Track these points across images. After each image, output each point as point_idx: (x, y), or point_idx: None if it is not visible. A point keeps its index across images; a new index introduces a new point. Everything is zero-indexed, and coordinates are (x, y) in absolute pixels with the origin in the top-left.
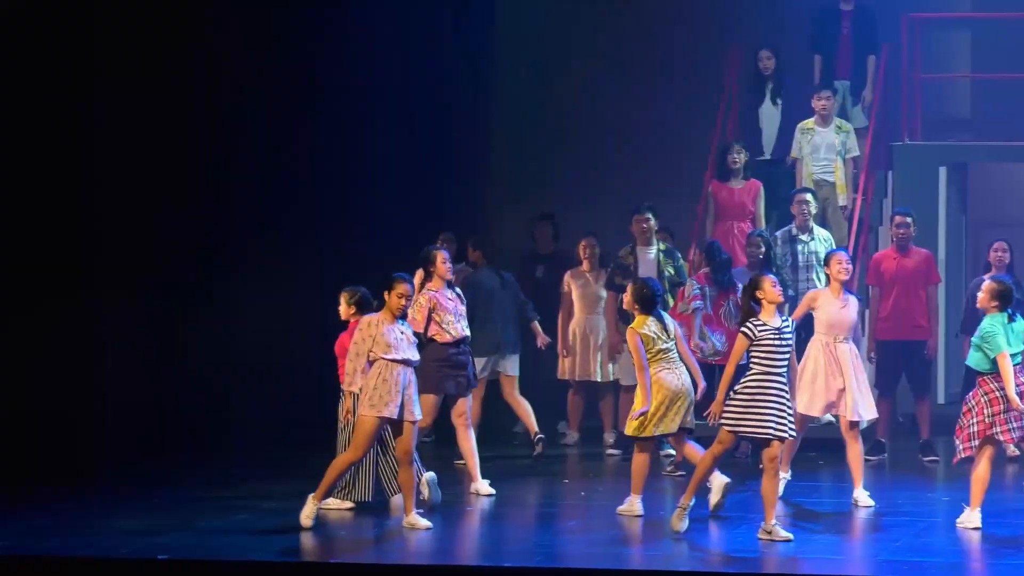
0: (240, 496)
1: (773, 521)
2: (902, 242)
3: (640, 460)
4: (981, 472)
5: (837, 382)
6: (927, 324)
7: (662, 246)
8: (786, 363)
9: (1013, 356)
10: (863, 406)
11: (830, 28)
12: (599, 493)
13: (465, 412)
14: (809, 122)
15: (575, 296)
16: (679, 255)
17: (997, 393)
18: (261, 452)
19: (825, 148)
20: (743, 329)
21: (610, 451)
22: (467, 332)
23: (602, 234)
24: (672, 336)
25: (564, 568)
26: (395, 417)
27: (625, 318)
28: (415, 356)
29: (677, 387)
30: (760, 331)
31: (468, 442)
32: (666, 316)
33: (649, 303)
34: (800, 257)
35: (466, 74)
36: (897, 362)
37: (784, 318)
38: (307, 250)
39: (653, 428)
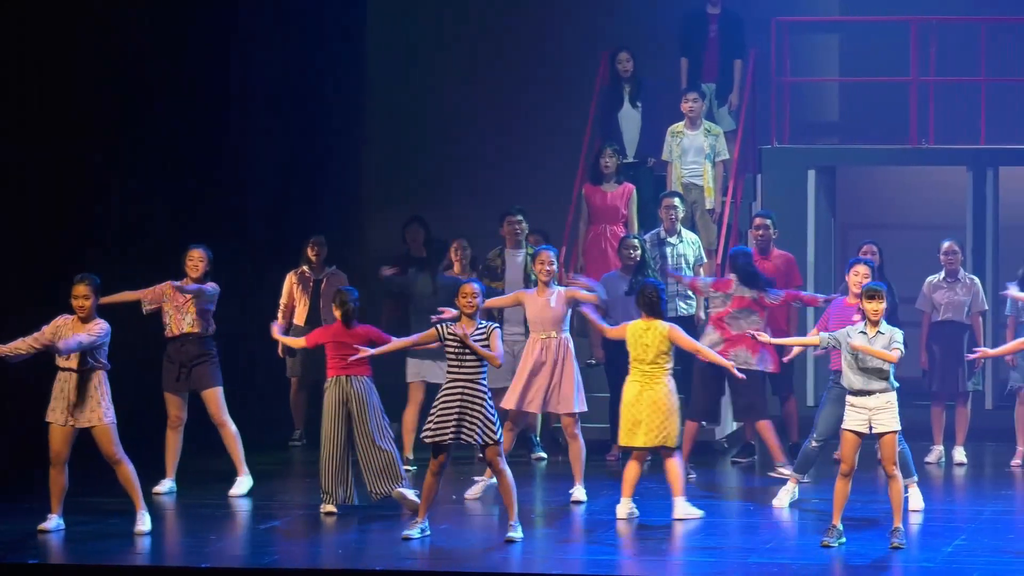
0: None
1: (512, 521)
2: (762, 244)
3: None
4: None
5: (545, 378)
6: (787, 327)
7: (530, 250)
8: (474, 369)
9: None
10: (575, 400)
11: (698, 31)
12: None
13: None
14: (678, 125)
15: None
16: None
17: None
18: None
19: (694, 151)
20: (437, 328)
21: (480, 455)
22: (192, 329)
23: (473, 237)
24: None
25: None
26: (59, 423)
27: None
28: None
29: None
30: (443, 333)
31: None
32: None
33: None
34: (668, 260)
35: (339, 76)
36: None
37: (488, 324)
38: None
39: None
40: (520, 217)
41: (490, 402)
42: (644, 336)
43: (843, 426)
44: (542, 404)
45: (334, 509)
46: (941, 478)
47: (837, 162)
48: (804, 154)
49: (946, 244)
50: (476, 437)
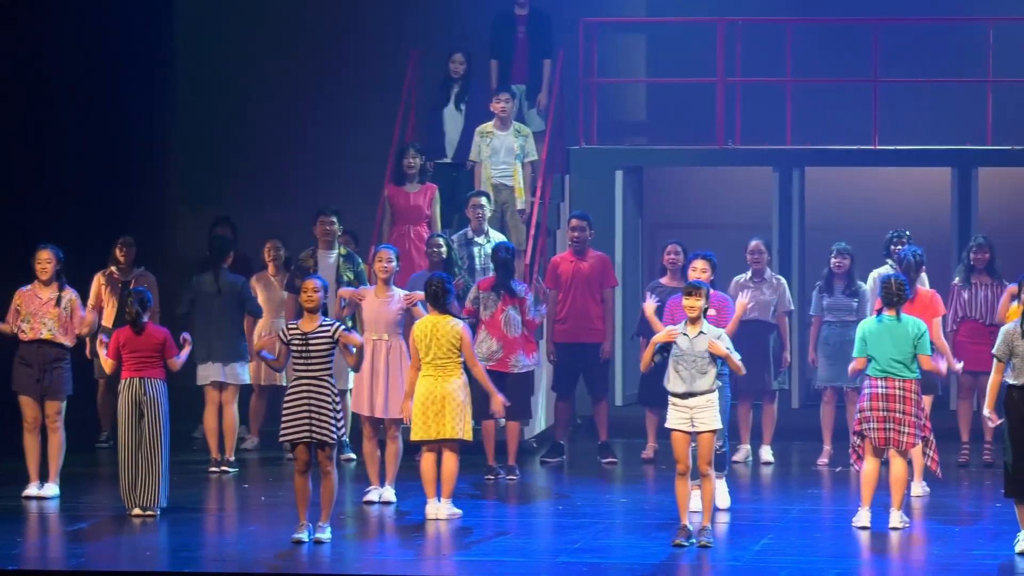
0: None
1: (323, 522)
2: (578, 245)
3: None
4: (897, 471)
5: (379, 380)
6: (603, 327)
7: (343, 250)
8: (319, 366)
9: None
10: (398, 405)
11: (506, 32)
12: (280, 497)
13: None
14: (488, 126)
15: (261, 300)
16: (359, 260)
17: (865, 391)
18: None
19: (504, 152)
20: (278, 333)
21: (289, 456)
22: (46, 335)
23: (287, 237)
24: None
25: (241, 573)
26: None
27: None
28: None
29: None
30: (288, 335)
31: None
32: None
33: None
34: (476, 260)
35: (146, 76)
36: (575, 364)
37: (330, 322)
38: None
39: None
40: (334, 217)
41: (337, 400)
42: (435, 331)
43: (667, 425)
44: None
45: (140, 511)
46: (748, 477)
47: (644, 162)
48: (611, 154)
49: (752, 244)
50: (330, 434)
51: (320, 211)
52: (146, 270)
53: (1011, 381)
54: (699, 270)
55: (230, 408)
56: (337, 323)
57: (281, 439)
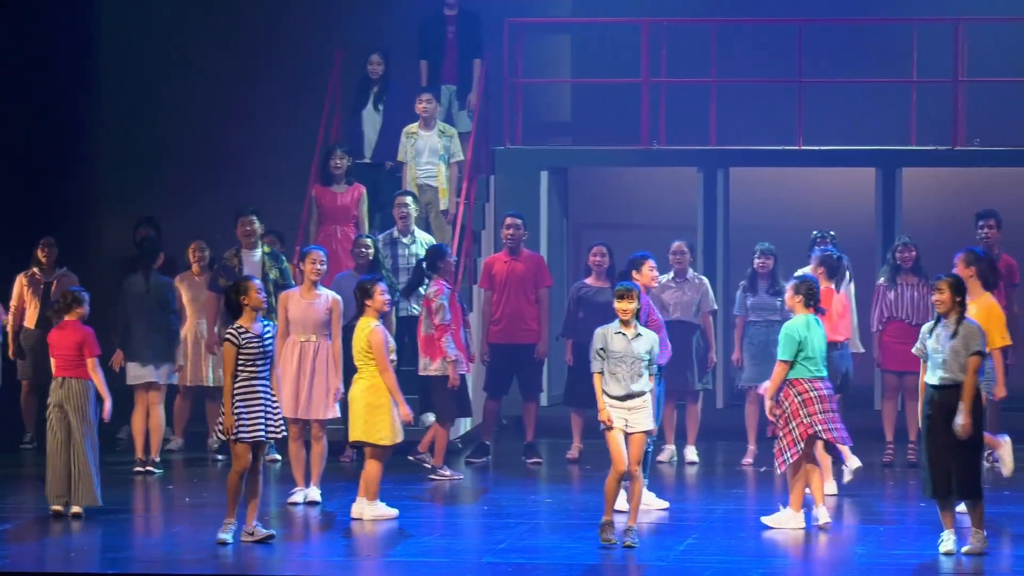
0: None
1: (254, 522)
2: (513, 244)
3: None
4: (803, 472)
5: (304, 381)
6: (538, 327)
7: (266, 249)
8: (268, 366)
9: (810, 360)
10: (323, 407)
11: (435, 33)
12: (204, 498)
13: None
14: (413, 126)
15: (185, 300)
16: (283, 258)
17: (811, 394)
18: None
19: (428, 152)
20: (227, 338)
21: (218, 456)
22: None
23: (211, 238)
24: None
25: (167, 574)
26: None
27: (226, 321)
28: None
29: None
30: (243, 338)
31: None
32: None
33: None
34: (401, 260)
35: (70, 76)
36: (508, 365)
37: (265, 323)
38: None
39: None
40: (253, 217)
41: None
42: (357, 333)
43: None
44: (294, 408)
45: (61, 509)
46: (673, 477)
47: (569, 163)
48: (536, 155)
49: (675, 244)
50: (280, 433)
51: (239, 212)
52: (68, 270)
53: (924, 379)
54: (653, 268)
55: (157, 409)
56: (271, 323)
57: (243, 440)
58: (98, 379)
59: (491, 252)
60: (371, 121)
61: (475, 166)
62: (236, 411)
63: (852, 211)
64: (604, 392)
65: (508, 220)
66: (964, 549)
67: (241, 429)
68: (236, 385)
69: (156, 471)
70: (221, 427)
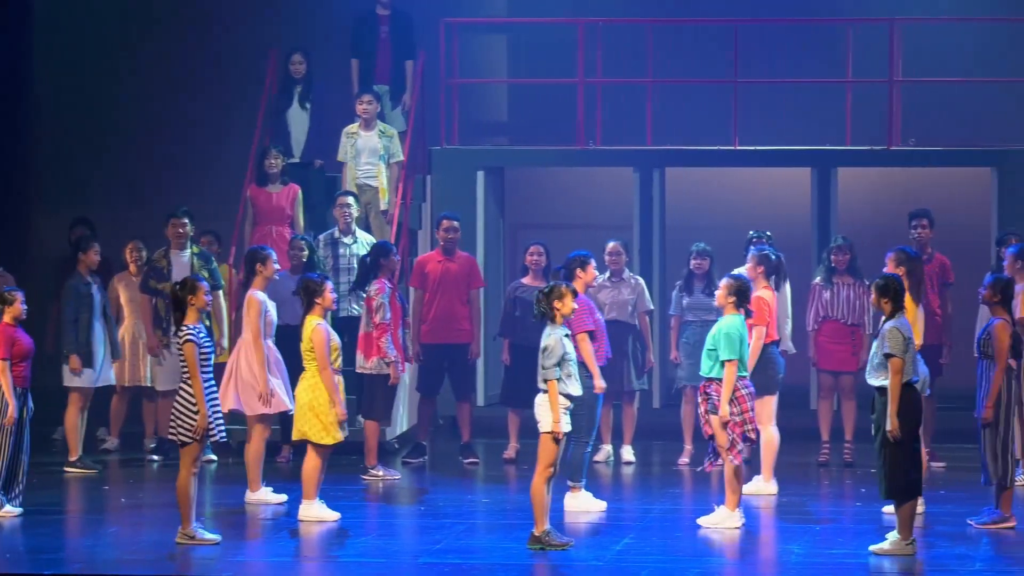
0: None
1: (194, 524)
2: (448, 246)
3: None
4: (737, 471)
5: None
6: (470, 327)
7: (195, 249)
8: (212, 367)
9: (741, 360)
10: (254, 402)
11: (368, 33)
12: (140, 499)
13: None
14: (353, 127)
15: (123, 301)
16: (213, 259)
17: (743, 391)
18: None
19: (368, 152)
20: (189, 338)
21: (151, 457)
22: None
23: (147, 238)
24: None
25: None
26: None
27: (158, 322)
28: None
29: None
30: (200, 337)
31: None
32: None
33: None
34: (342, 260)
35: (5, 76)
36: (441, 365)
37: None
38: None
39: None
40: (185, 219)
41: None
42: (304, 330)
43: (563, 429)
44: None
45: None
46: (609, 477)
47: (506, 163)
48: (473, 155)
49: (610, 245)
50: (222, 434)
51: (171, 213)
52: (5, 271)
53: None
54: (595, 268)
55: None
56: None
57: (211, 439)
58: (5, 382)
59: (428, 252)
60: (298, 121)
61: (412, 166)
62: (201, 411)
63: (788, 211)
64: (567, 395)
65: (445, 222)
66: (872, 547)
67: (208, 430)
68: (185, 387)
69: (91, 470)
70: (185, 427)
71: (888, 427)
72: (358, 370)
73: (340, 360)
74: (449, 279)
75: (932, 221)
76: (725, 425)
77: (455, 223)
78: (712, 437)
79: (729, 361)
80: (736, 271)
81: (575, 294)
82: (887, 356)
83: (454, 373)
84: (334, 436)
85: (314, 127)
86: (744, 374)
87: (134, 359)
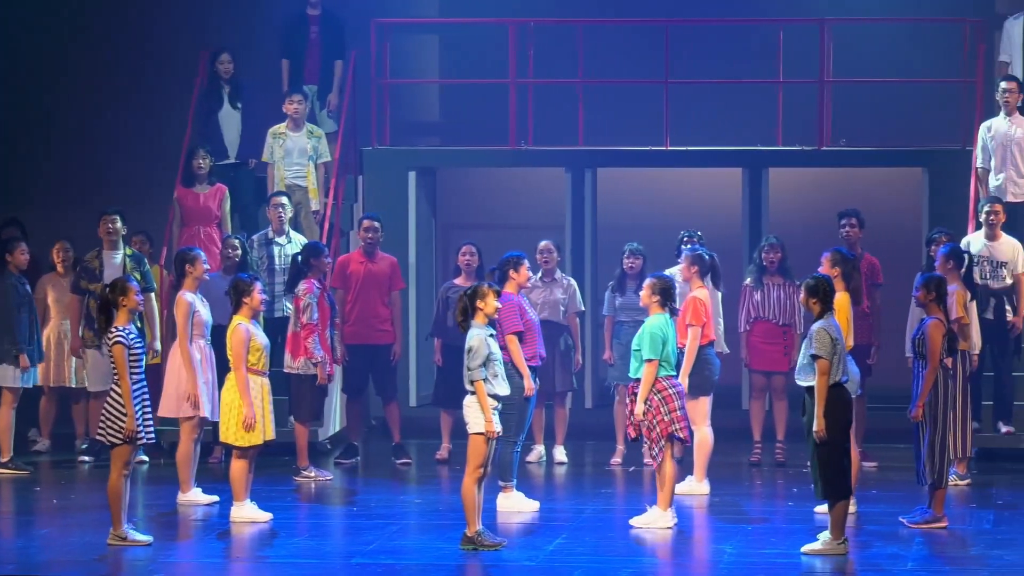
0: None
1: (125, 525)
2: (370, 247)
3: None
4: (669, 470)
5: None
6: (392, 328)
7: (128, 251)
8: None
9: (666, 360)
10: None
11: (298, 33)
12: (72, 500)
13: None
14: (281, 127)
15: (50, 301)
16: (145, 260)
17: (670, 391)
18: None
19: (297, 152)
20: (119, 340)
21: (82, 458)
22: None
23: (76, 238)
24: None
25: None
26: None
27: (90, 323)
28: None
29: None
30: (131, 339)
31: None
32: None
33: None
34: (276, 260)
35: None
36: (364, 366)
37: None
38: None
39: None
40: (116, 217)
41: None
42: (228, 329)
43: (497, 429)
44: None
45: None
46: (542, 477)
47: (437, 164)
48: (404, 156)
49: (542, 244)
50: (151, 436)
51: (102, 212)
52: None
53: None
54: (528, 268)
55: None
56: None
57: (140, 443)
58: None
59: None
60: (230, 121)
61: (343, 166)
62: (127, 411)
63: (719, 211)
64: (494, 395)
65: (365, 222)
66: (804, 547)
67: (137, 432)
68: (115, 389)
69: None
70: (114, 429)
71: (815, 427)
72: (285, 370)
73: (266, 361)
74: (371, 280)
75: (861, 220)
76: (639, 425)
77: (376, 223)
78: (636, 439)
79: (649, 361)
80: (668, 271)
81: (498, 294)
82: (814, 357)
83: (377, 374)
84: (250, 439)
85: (246, 127)
86: (671, 373)
87: (59, 359)
